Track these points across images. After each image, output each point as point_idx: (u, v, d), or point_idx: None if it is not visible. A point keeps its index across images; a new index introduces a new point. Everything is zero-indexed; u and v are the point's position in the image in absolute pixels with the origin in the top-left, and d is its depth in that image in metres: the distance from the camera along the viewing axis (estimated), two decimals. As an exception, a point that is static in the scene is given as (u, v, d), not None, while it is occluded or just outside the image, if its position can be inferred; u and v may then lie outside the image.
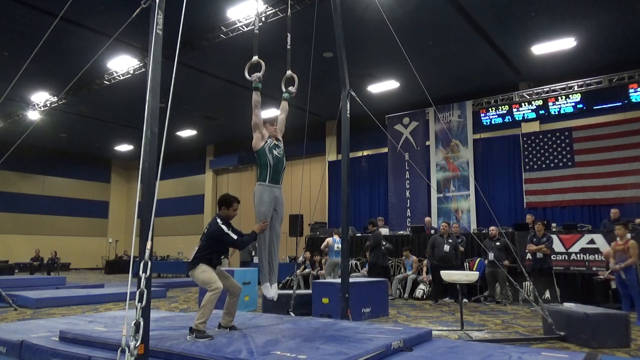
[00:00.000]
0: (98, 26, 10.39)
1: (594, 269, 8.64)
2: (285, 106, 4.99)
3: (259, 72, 4.59)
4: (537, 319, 6.77)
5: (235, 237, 4.30)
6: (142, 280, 2.95)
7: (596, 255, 8.67)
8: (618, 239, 7.14)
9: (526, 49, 11.34)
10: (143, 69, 12.22)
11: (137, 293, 2.92)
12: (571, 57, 11.64)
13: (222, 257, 4.54)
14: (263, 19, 9.61)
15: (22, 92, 14.32)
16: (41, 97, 15.04)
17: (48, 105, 15.12)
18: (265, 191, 4.38)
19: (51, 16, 9.23)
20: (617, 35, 10.68)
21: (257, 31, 4.97)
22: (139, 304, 2.90)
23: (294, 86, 5.07)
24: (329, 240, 10.14)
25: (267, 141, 4.48)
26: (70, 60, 11.69)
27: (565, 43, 10.99)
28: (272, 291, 4.45)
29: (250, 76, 4.57)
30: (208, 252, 4.28)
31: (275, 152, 4.47)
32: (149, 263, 3.02)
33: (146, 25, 3.36)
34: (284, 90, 5.04)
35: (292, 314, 6.74)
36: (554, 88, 12.69)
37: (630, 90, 11.69)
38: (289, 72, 5.10)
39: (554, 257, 8.76)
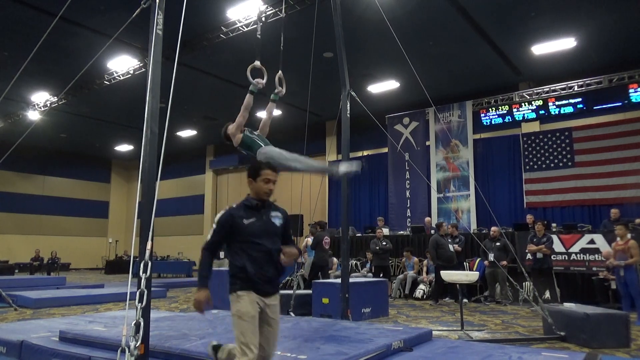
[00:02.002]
0: (98, 26, 10.38)
1: (594, 269, 8.65)
2: (271, 107, 4.79)
3: (261, 77, 4.55)
4: (537, 319, 6.76)
5: (211, 236, 2.71)
6: (142, 280, 2.95)
7: (596, 255, 8.67)
8: (618, 239, 7.14)
9: (526, 49, 11.34)
10: (143, 69, 12.21)
11: (137, 293, 2.93)
12: (571, 57, 11.64)
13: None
14: (263, 19, 9.59)
15: (22, 92, 14.32)
16: (41, 97, 15.03)
17: (48, 105, 15.11)
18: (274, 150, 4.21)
19: (51, 16, 9.19)
20: (617, 35, 10.67)
21: (259, 35, 4.95)
22: (139, 304, 2.91)
23: (282, 87, 4.90)
24: (308, 240, 10.10)
25: (242, 131, 4.36)
26: (70, 60, 11.68)
27: (565, 43, 10.99)
28: None
29: (253, 79, 4.51)
30: (235, 260, 2.70)
31: (255, 133, 4.40)
32: (149, 263, 3.02)
33: (146, 25, 3.37)
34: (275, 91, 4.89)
35: (292, 314, 6.74)
36: (554, 88, 12.69)
37: (630, 90, 11.70)
38: (279, 73, 4.95)
39: (554, 257, 8.76)
